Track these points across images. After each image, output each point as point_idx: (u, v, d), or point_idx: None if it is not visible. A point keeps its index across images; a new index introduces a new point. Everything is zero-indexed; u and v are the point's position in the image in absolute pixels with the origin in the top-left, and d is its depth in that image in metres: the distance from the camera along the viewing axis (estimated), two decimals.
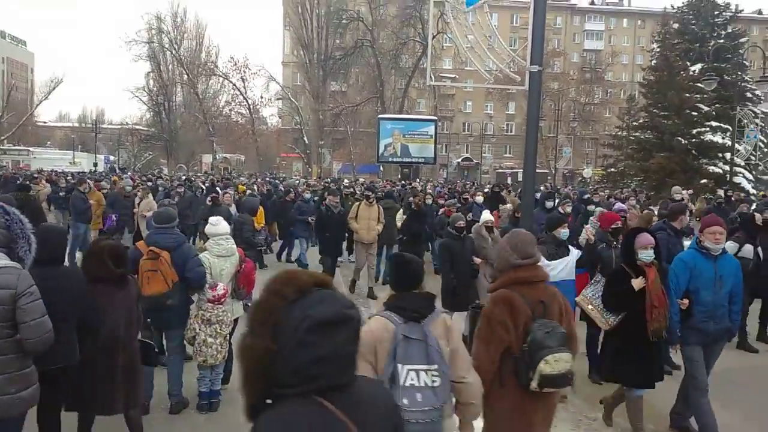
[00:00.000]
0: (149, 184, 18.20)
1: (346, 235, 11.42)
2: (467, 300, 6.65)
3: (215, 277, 5.35)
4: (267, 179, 27.60)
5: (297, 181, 25.73)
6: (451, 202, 12.33)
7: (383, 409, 1.64)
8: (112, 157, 61.80)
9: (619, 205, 10.80)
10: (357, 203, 10.62)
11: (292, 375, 1.45)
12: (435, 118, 41.74)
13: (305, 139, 50.45)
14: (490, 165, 61.71)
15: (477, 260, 7.14)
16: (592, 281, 5.43)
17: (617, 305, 4.68)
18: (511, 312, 3.06)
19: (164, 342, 5.31)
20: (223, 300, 5.22)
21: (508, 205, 10.52)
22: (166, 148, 54.47)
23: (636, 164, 32.02)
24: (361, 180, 28.86)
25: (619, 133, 38.02)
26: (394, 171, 43.71)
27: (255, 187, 18.80)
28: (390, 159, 37.51)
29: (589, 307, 5.04)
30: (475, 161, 60.01)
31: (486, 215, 7.81)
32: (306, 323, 1.44)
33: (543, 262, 4.99)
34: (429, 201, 13.11)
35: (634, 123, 35.37)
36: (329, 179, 30.86)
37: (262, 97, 51.78)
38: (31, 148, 62.12)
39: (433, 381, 2.72)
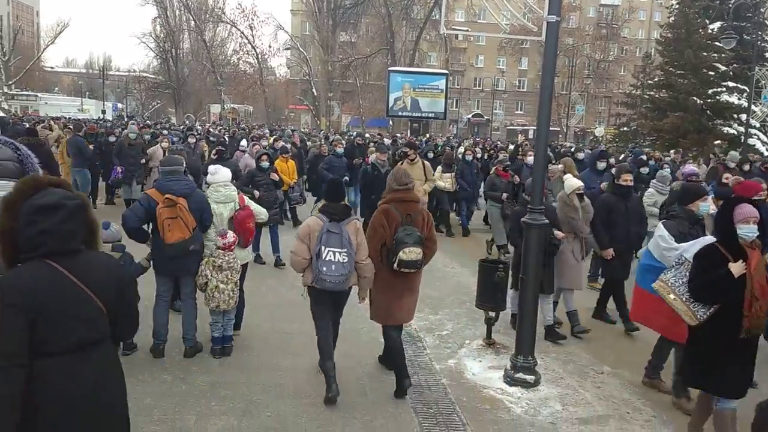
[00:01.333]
0: (164, 132, 18.12)
1: None
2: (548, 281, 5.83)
3: (223, 222, 5.43)
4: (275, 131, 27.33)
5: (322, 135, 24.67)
6: (504, 159, 11.00)
7: (106, 270, 2.41)
8: (120, 105, 61.40)
9: (689, 167, 9.86)
10: (398, 163, 9.49)
11: (25, 243, 2.22)
12: (446, 71, 41.06)
13: (314, 90, 49.88)
14: (500, 122, 60.98)
15: (560, 234, 5.96)
16: (675, 263, 4.15)
17: (710, 295, 3.75)
18: (387, 218, 4.63)
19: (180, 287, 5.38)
20: (232, 247, 5.29)
21: (559, 165, 8.70)
22: (173, 96, 54.03)
23: (649, 123, 31.53)
24: (367, 135, 27.80)
25: (633, 91, 37.33)
26: (404, 126, 43.29)
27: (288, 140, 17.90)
28: (400, 113, 37.13)
29: (671, 296, 3.94)
30: (485, 117, 59.29)
31: (574, 181, 6.46)
32: (31, 207, 2.22)
33: (671, 244, 4.65)
34: (469, 157, 11.85)
35: (649, 81, 34.69)
36: (353, 133, 29.28)
37: (270, 47, 51.25)
38: (39, 94, 61.76)
39: (343, 259, 4.43)
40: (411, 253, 4.49)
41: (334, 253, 4.39)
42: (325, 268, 4.38)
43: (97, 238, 2.48)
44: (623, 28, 58.84)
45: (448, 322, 6.57)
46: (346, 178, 11.19)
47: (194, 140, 13.18)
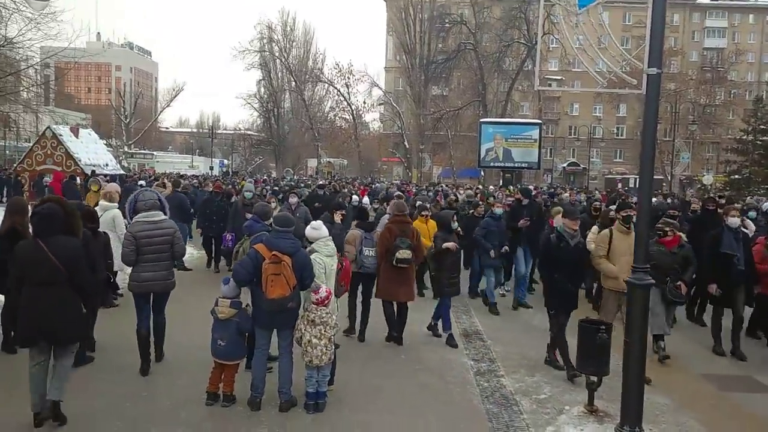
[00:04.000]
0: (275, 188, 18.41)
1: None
2: None
3: (328, 276, 5.63)
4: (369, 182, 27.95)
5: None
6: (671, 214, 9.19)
7: (70, 247, 4.76)
8: (226, 161, 65.53)
9: None
10: (604, 230, 7.04)
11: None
12: (539, 121, 40.53)
13: (406, 143, 50.83)
14: (598, 170, 59.00)
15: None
16: None
17: None
18: (390, 232, 7.37)
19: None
20: (326, 302, 5.38)
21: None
22: (274, 152, 57.01)
23: (764, 171, 29.42)
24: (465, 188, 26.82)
25: (744, 137, 35.03)
26: (495, 176, 42.93)
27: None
28: (492, 164, 36.88)
29: None
30: (582, 166, 57.64)
31: None
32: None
33: None
34: (499, 210, 10.03)
35: (762, 126, 32.43)
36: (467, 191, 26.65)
37: (365, 103, 52.87)
38: (154, 152, 67.28)
39: (372, 253, 7.48)
40: (404, 253, 7.17)
41: (369, 250, 7.50)
42: (365, 260, 7.45)
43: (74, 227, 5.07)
44: (730, 71, 55.87)
45: (546, 385, 6.26)
46: (506, 248, 9.59)
47: (296, 200, 11.31)
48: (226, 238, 10.41)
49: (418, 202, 11.64)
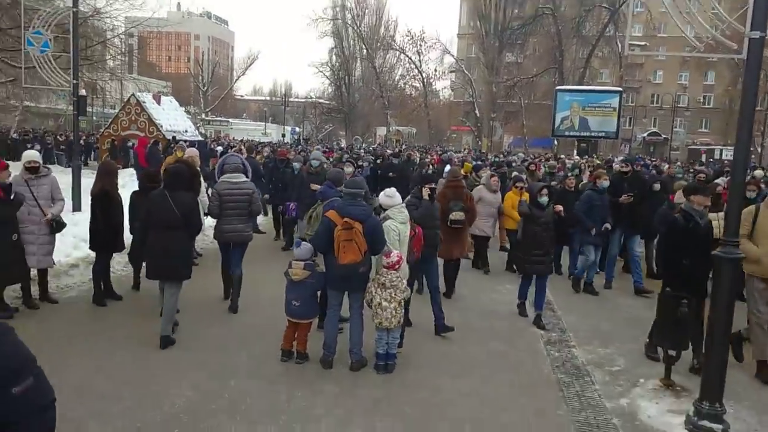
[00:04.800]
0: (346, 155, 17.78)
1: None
2: None
3: (402, 242, 5.68)
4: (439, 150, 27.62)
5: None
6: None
7: (188, 200, 5.81)
8: (298, 129, 66.67)
9: None
10: (750, 207, 5.91)
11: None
12: (620, 89, 38.75)
13: (477, 111, 49.94)
14: (681, 140, 55.88)
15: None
16: None
17: None
18: (445, 195, 7.88)
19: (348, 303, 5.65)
20: (397, 266, 5.44)
21: None
22: (344, 120, 57.46)
23: None
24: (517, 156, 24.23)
25: None
26: (570, 145, 41.56)
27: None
28: (567, 133, 35.77)
29: None
30: (663, 136, 54.76)
31: None
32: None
33: None
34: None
35: None
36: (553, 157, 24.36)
37: (436, 71, 52.21)
38: (230, 119, 69.30)
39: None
40: (457, 214, 7.78)
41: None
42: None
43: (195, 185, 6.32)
44: None
45: (620, 357, 6.10)
46: (608, 225, 8.58)
47: (351, 170, 10.66)
48: (290, 207, 9.98)
49: (514, 173, 11.34)
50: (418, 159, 18.12)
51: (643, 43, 43.96)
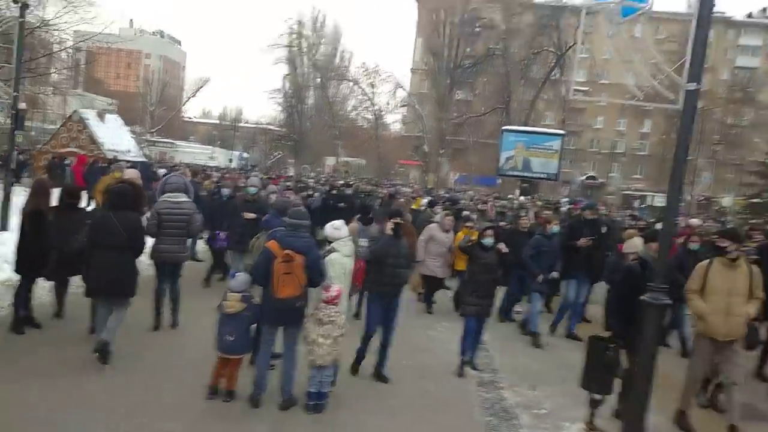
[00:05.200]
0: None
1: None
2: None
3: (346, 276, 5.63)
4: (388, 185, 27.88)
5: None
6: None
7: (133, 219, 5.92)
8: (245, 154, 65.94)
9: None
10: (704, 262, 5.67)
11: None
12: (563, 132, 40.21)
13: (425, 146, 50.78)
14: (617, 185, 58.34)
15: None
16: None
17: None
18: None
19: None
20: (336, 301, 5.38)
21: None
22: (294, 148, 57.29)
23: None
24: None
25: None
26: (513, 185, 42.70)
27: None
28: (510, 172, 36.64)
29: None
30: (600, 180, 57.04)
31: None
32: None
33: None
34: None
35: None
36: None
37: (388, 104, 52.97)
38: (176, 142, 67.89)
39: (366, 244, 6.78)
40: None
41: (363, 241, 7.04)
42: (360, 250, 6.47)
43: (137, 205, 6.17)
44: (760, 91, 54.91)
45: (546, 400, 6.22)
46: (555, 273, 8.43)
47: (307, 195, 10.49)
48: (220, 236, 9.33)
49: (464, 212, 11.35)
50: (367, 191, 18.17)
51: (586, 88, 46.02)
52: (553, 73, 45.61)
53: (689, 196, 43.60)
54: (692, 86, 4.64)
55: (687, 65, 4.69)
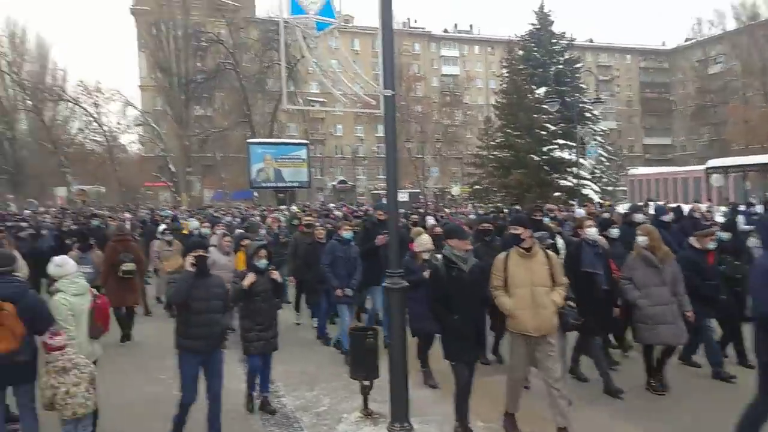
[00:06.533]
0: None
1: None
2: None
3: (78, 317, 5.04)
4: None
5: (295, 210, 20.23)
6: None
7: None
8: None
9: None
10: (502, 254, 5.34)
11: None
12: (306, 141, 41.77)
13: (171, 166, 48.13)
14: (365, 187, 62.79)
15: None
16: None
17: None
18: (115, 249, 8.98)
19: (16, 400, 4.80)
20: (62, 349, 4.69)
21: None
22: (10, 182, 49.30)
23: (498, 181, 34.24)
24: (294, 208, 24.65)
25: (480, 152, 40.31)
26: (270, 197, 43.00)
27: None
28: (263, 184, 36.89)
29: None
30: (350, 183, 60.74)
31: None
32: None
33: None
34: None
35: (492, 143, 37.49)
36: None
37: (119, 124, 48.81)
38: None
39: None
40: (128, 266, 8.94)
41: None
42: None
43: None
44: (464, 95, 64.17)
45: (325, 397, 6.45)
46: (355, 281, 7.86)
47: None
48: None
49: (237, 231, 10.88)
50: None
51: (321, 99, 48.46)
52: (288, 85, 46.87)
53: (425, 188, 49.00)
54: (388, 92, 5.27)
55: (381, 74, 5.28)
